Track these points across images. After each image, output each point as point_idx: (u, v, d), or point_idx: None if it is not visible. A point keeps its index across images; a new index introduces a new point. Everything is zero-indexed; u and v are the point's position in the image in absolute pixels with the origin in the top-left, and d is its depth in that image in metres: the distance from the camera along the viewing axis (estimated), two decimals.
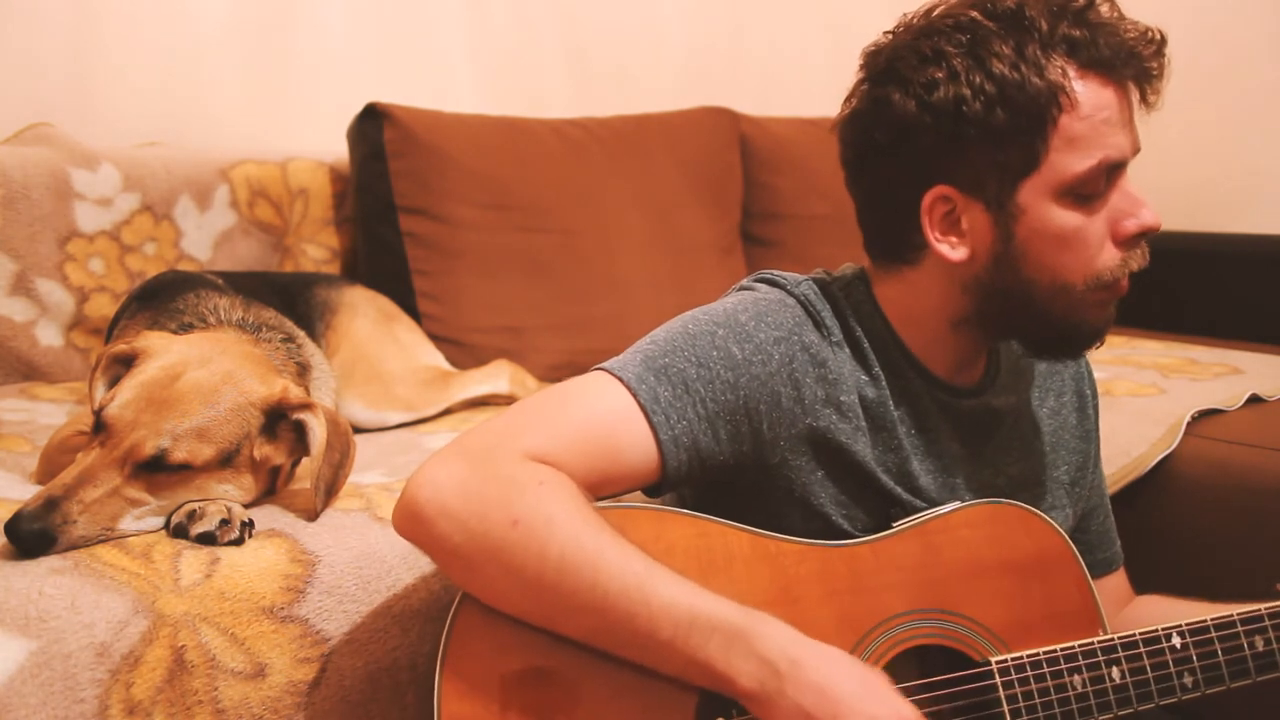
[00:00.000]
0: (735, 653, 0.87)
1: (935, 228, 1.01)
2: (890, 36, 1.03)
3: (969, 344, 1.07)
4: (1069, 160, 0.96)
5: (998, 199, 0.98)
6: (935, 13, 1.01)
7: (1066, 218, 0.97)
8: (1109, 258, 0.99)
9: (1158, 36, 0.98)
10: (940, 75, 0.96)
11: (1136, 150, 1.00)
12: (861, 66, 1.04)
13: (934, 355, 1.07)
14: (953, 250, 1.01)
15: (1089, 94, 0.96)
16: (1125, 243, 0.99)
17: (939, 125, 0.97)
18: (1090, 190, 0.97)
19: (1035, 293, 1.00)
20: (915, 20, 1.02)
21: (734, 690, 0.88)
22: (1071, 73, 0.95)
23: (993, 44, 0.96)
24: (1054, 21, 0.96)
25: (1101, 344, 1.08)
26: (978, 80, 0.95)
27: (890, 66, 1.00)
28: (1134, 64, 0.97)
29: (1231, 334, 2.27)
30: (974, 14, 0.97)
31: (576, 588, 0.87)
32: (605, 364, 0.99)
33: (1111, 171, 0.98)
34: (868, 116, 1.02)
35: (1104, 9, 0.98)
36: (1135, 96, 0.99)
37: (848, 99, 1.05)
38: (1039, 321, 1.02)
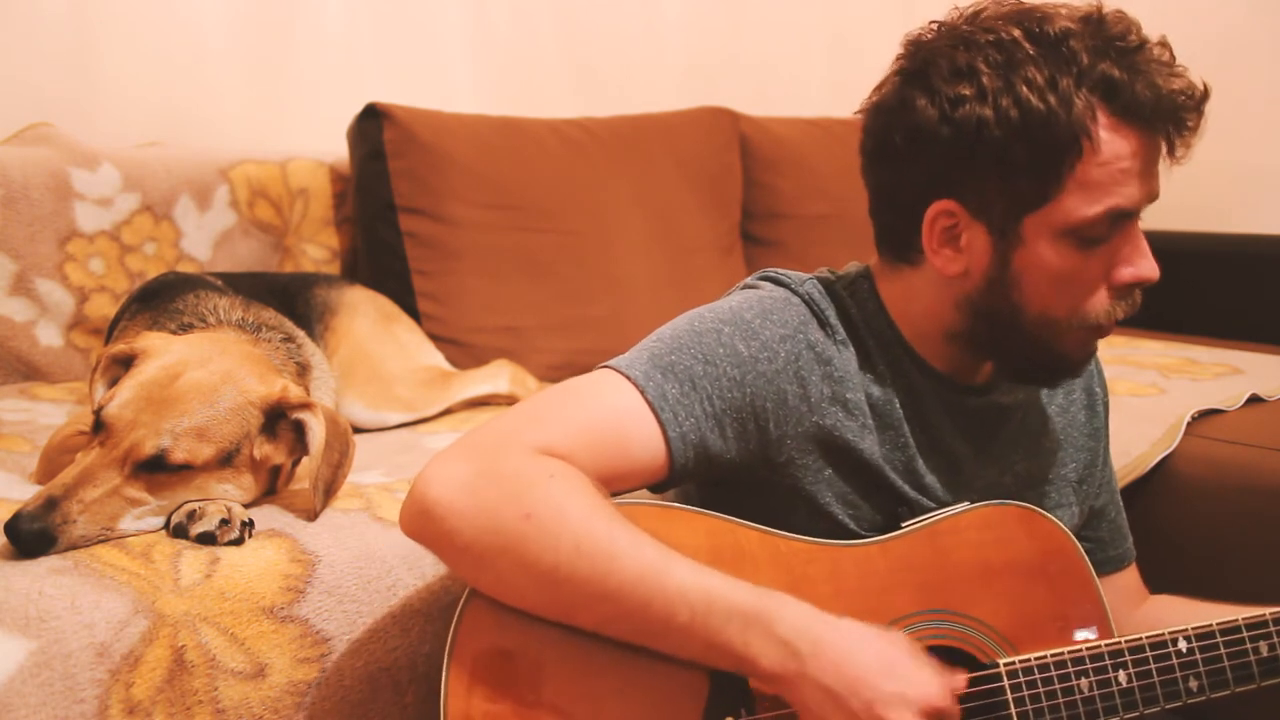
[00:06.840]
0: (754, 635, 0.87)
1: (934, 239, 1.00)
2: (934, 30, 1.01)
3: (965, 353, 1.07)
4: (1078, 204, 0.94)
5: (1001, 225, 0.97)
6: (982, 17, 0.98)
7: (1065, 257, 0.96)
8: (1099, 301, 0.99)
9: (1200, 92, 0.95)
10: (968, 92, 0.94)
11: (1153, 198, 0.98)
12: (899, 57, 1.02)
13: (936, 355, 1.07)
14: (948, 264, 1.00)
15: (1113, 141, 0.93)
16: (1119, 289, 0.99)
17: (957, 142, 0.95)
18: (1093, 235, 0.96)
19: (1022, 320, 1.00)
20: (961, 21, 0.99)
21: (756, 671, 0.88)
22: (1100, 116, 0.93)
23: (1027, 70, 0.93)
24: (1095, 58, 0.93)
25: (1078, 375, 1.09)
26: (1004, 105, 0.93)
27: (923, 70, 0.98)
28: (1168, 117, 0.94)
29: (1231, 334, 2.27)
30: (1016, 33, 0.94)
31: (591, 576, 0.87)
32: (611, 362, 0.99)
33: (1119, 219, 0.96)
34: (891, 114, 1.01)
35: (1155, 51, 0.95)
36: (1163, 147, 0.96)
37: (879, 86, 1.03)
38: (1023, 347, 1.02)
